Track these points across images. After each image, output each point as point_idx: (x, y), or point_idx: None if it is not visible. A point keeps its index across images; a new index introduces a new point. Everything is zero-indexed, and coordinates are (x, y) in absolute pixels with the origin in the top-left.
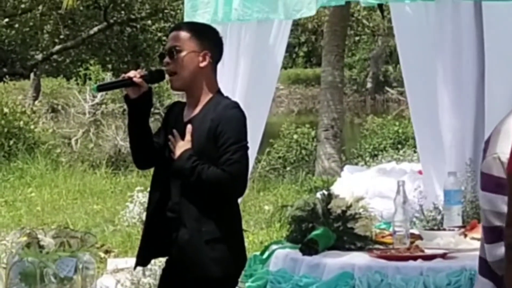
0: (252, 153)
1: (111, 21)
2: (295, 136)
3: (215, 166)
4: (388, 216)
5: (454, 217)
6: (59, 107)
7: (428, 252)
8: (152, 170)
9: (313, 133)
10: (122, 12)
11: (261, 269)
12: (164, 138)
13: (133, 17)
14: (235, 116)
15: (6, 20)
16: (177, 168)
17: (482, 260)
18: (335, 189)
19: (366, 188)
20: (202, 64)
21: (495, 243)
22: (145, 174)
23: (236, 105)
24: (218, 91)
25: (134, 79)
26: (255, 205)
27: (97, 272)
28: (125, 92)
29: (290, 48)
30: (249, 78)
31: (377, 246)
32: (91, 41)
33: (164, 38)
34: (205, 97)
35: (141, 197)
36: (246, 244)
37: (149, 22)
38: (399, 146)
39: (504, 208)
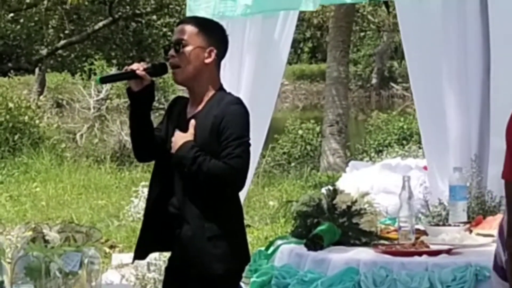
0: (257, 149)
1: (116, 16)
2: (300, 132)
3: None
4: (393, 211)
5: (459, 212)
6: (64, 102)
7: (433, 247)
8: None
9: (318, 129)
10: (127, 7)
11: (266, 265)
12: (166, 132)
13: (138, 12)
14: (238, 112)
15: (11, 15)
16: (179, 157)
17: (496, 257)
18: (340, 184)
19: (371, 183)
20: (207, 60)
21: None
22: (150, 169)
23: (239, 101)
24: (221, 88)
25: (137, 71)
26: (260, 200)
27: (102, 267)
28: (128, 85)
29: (295, 43)
30: (254, 74)
31: (382, 241)
32: (96, 36)
33: (169, 33)
34: (208, 94)
35: (146, 192)
36: (250, 239)
37: (154, 17)
38: (404, 141)
39: None
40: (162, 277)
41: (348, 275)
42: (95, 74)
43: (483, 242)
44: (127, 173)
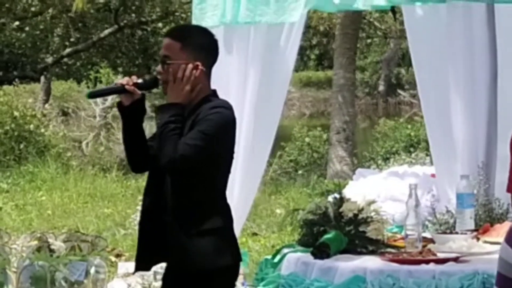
0: (264, 157)
1: (122, 24)
2: (306, 139)
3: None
4: (400, 219)
5: (466, 220)
6: (70, 110)
7: (440, 255)
8: None
9: (325, 136)
10: (133, 15)
11: (272, 273)
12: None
13: (143, 19)
14: (214, 114)
15: (17, 23)
16: (161, 111)
17: (501, 276)
18: (347, 192)
19: (378, 191)
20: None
21: None
22: None
23: (223, 105)
24: (211, 93)
25: (126, 86)
26: (267, 208)
27: (108, 276)
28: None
29: (301, 50)
30: (260, 81)
31: (389, 249)
32: (101, 44)
33: None
34: (197, 100)
35: None
36: (257, 247)
37: (160, 24)
38: (412, 149)
39: None
40: None
41: (355, 283)
42: (100, 82)
43: (490, 250)
44: (133, 181)
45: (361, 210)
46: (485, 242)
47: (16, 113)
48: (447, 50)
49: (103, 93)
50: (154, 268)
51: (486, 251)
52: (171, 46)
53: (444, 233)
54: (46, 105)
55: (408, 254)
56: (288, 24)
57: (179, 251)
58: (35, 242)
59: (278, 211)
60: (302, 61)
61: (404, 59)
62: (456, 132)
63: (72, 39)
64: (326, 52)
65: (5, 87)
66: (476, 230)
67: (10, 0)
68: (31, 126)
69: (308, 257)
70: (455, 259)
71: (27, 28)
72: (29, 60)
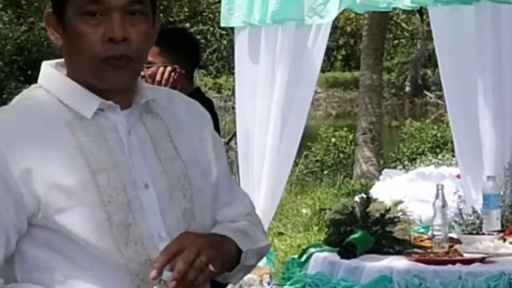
0: (290, 156)
1: None
2: (333, 140)
3: None
4: (426, 220)
5: (493, 221)
6: None
7: (467, 256)
8: None
9: (351, 137)
10: (161, 14)
11: (299, 272)
12: None
13: (171, 19)
14: None
15: None
16: None
17: None
18: (374, 192)
19: (404, 192)
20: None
21: None
22: None
23: (202, 104)
24: (194, 91)
25: None
26: (293, 208)
27: None
28: None
29: (328, 51)
30: (287, 82)
31: (415, 250)
32: None
33: (202, 40)
34: None
35: None
36: (283, 247)
37: (188, 24)
38: (438, 150)
39: None
40: None
41: (381, 283)
42: None
43: None
44: None
45: (388, 210)
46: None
47: None
48: (474, 52)
49: None
50: None
51: None
52: (151, 49)
53: (471, 234)
54: None
55: (434, 255)
56: (316, 24)
57: None
58: None
59: (304, 211)
60: (328, 62)
61: (431, 60)
62: (482, 133)
63: None
64: (353, 53)
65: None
66: (502, 231)
67: (39, 0)
68: None
69: (334, 256)
70: (482, 260)
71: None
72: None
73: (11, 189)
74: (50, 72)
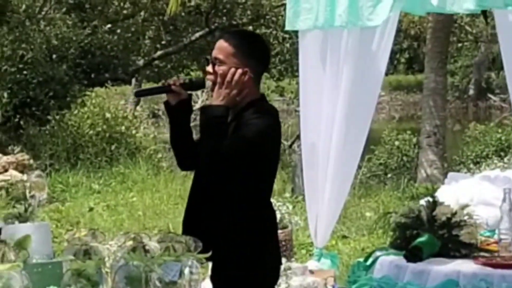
0: (354, 159)
1: (213, 27)
2: (396, 143)
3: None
4: (493, 223)
5: None
6: (160, 113)
7: None
8: None
9: (414, 140)
10: (224, 18)
11: (364, 276)
12: None
13: (234, 23)
14: (258, 118)
15: (109, 26)
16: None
17: None
18: (439, 196)
19: (470, 195)
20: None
21: None
22: None
23: (267, 111)
24: (260, 97)
25: (173, 87)
26: (356, 211)
27: (200, 277)
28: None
29: (391, 54)
30: (352, 85)
31: (482, 253)
32: (192, 47)
33: None
34: (243, 104)
35: None
36: (347, 250)
37: (251, 28)
38: (502, 153)
39: None
40: None
41: (448, 287)
42: None
43: None
44: None
45: (454, 214)
46: None
47: (107, 115)
48: None
49: (149, 92)
50: None
51: None
52: (224, 49)
53: None
54: (137, 107)
55: (501, 258)
56: (381, 27)
57: (219, 255)
58: (130, 243)
59: (368, 214)
60: (392, 65)
61: (495, 63)
62: None
63: (163, 42)
64: (417, 56)
65: (97, 89)
66: None
67: (102, 3)
68: (123, 128)
69: (400, 260)
70: None
71: (118, 31)
72: (121, 63)
73: None
74: None
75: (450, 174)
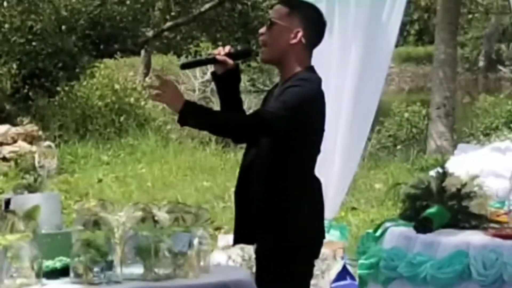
0: (364, 131)
1: None
2: (406, 115)
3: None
4: (503, 194)
5: None
6: None
7: None
8: None
9: (424, 112)
10: None
11: (374, 247)
12: None
13: None
14: (299, 85)
15: None
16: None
17: None
18: (449, 167)
19: (480, 166)
20: (293, 41)
21: None
22: None
23: (310, 79)
24: (309, 68)
25: (217, 57)
26: (366, 183)
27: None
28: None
29: (401, 25)
30: (361, 57)
31: (492, 225)
32: (202, 18)
33: None
34: (292, 72)
35: None
36: (357, 222)
37: None
38: None
39: None
40: None
41: (458, 258)
42: (200, 55)
43: None
44: (232, 154)
45: (464, 185)
46: None
47: (116, 86)
48: None
49: (195, 64)
50: None
51: None
52: (278, 10)
53: None
54: (146, 79)
55: (511, 230)
56: None
57: (266, 225)
58: (140, 213)
59: (377, 185)
60: (401, 36)
61: (505, 35)
62: None
63: (172, 13)
64: (426, 28)
65: (106, 60)
66: None
67: None
68: (132, 99)
69: (410, 231)
70: None
71: (128, 2)
72: (130, 34)
73: None
74: None
75: (460, 146)
